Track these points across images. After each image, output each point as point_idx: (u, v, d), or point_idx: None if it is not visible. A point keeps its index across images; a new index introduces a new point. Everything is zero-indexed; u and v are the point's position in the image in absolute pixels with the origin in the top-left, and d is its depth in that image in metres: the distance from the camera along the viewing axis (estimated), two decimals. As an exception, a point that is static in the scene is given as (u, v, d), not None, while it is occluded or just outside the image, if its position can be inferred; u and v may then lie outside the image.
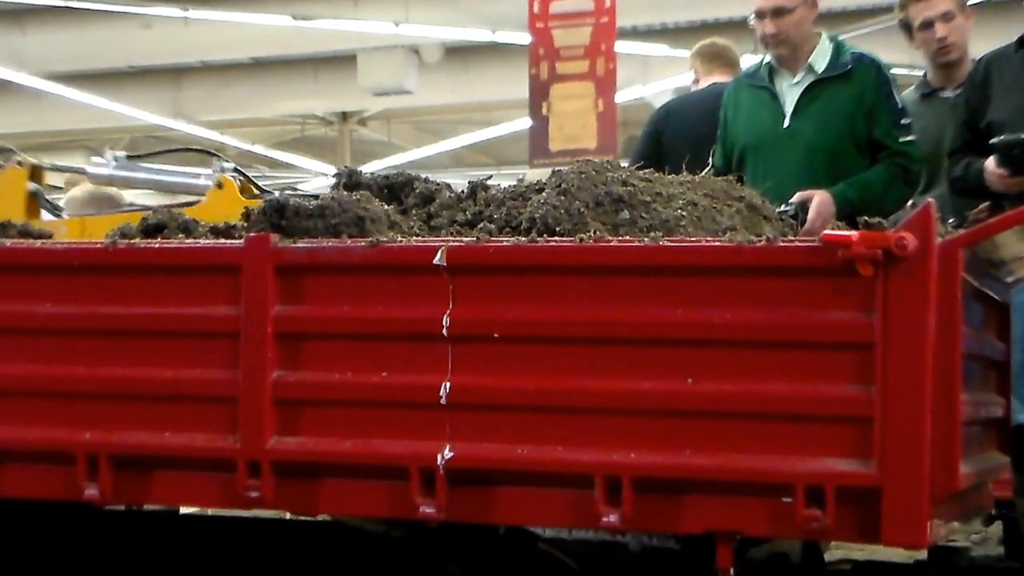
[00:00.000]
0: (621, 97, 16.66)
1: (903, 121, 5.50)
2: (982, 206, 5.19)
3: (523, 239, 2.45)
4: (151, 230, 2.78)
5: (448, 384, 2.44)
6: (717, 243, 2.36)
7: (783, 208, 5.68)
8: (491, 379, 2.44)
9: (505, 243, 2.45)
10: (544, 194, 2.59)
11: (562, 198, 2.56)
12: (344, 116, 20.19)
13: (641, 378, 2.37)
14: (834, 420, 2.30)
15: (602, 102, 16.81)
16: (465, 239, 2.49)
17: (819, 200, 5.45)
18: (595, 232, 2.49)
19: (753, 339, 2.33)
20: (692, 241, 2.39)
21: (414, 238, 2.56)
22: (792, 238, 2.53)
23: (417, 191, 2.87)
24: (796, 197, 5.47)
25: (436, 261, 2.44)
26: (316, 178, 21.99)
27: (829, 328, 2.30)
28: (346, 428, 2.51)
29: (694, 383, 2.35)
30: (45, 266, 2.69)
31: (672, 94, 18.37)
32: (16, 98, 18.09)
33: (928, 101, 6.22)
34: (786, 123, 5.66)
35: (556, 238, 2.46)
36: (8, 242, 2.76)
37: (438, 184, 2.90)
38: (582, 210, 2.53)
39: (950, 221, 5.72)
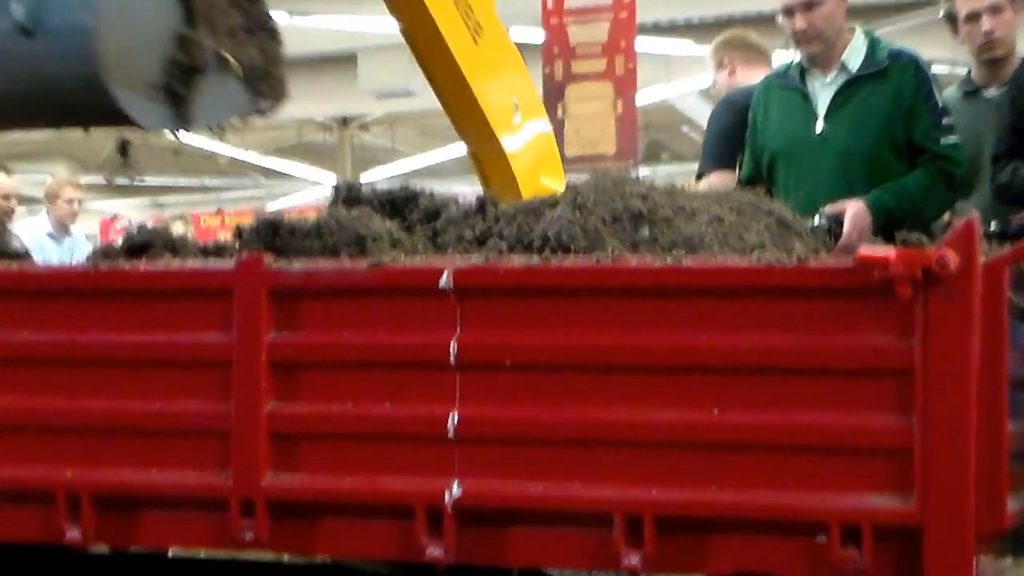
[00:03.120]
0: (642, 98, 16.66)
1: (945, 121, 5.46)
2: None
3: (535, 259, 2.44)
4: (136, 250, 2.79)
5: (456, 416, 2.43)
6: (744, 263, 2.35)
7: (815, 222, 5.64)
8: (502, 410, 2.44)
9: (516, 264, 2.44)
10: (558, 209, 2.59)
11: (577, 213, 2.56)
12: (344, 121, 20.22)
13: (664, 408, 2.37)
14: (871, 453, 2.29)
15: (621, 104, 16.82)
16: (473, 258, 2.48)
17: (853, 212, 5.41)
18: (613, 251, 2.48)
19: (783, 366, 2.32)
20: (717, 261, 2.38)
21: (418, 258, 2.55)
22: (825, 256, 2.49)
23: (422, 206, 2.87)
24: (828, 209, 5.44)
25: (442, 284, 2.43)
26: (313, 187, 22.01)
27: (865, 353, 2.29)
28: (346, 464, 2.50)
29: (720, 413, 2.34)
30: (23, 291, 2.69)
31: (698, 95, 18.39)
32: (-6, 104, 18.04)
33: (971, 100, 6.19)
34: (819, 127, 5.63)
35: (571, 257, 2.45)
36: (-17, 265, 2.76)
37: (444, 198, 2.89)
38: (599, 227, 2.53)
39: (992, 226, 5.67)
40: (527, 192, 4.49)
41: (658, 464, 2.37)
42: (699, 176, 7.02)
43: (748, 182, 5.77)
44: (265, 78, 2.99)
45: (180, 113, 2.86)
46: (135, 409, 2.61)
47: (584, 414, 2.40)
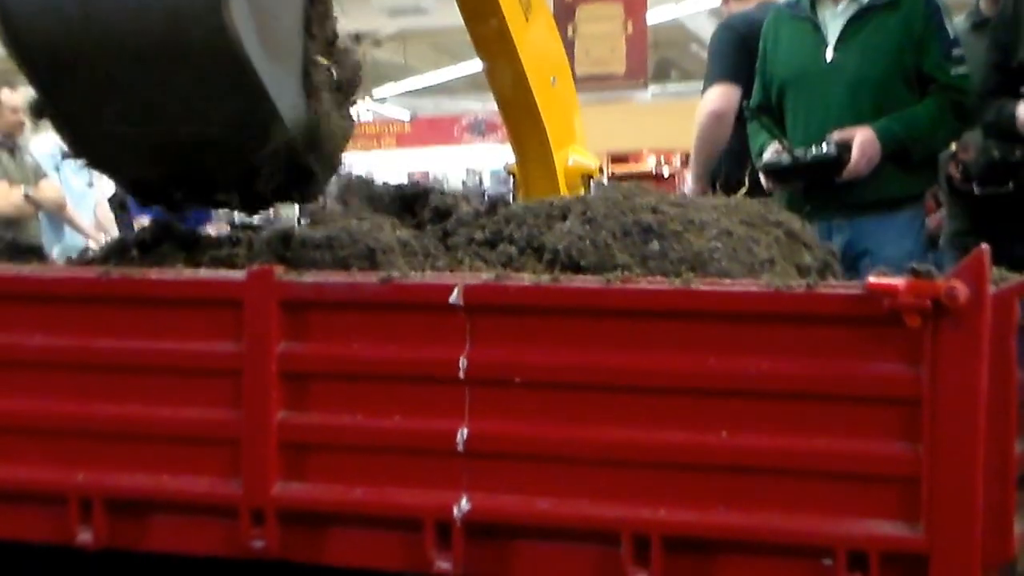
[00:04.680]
0: (651, 17, 16.54)
1: (954, 52, 5.44)
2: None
3: (545, 277, 2.39)
4: (147, 246, 2.74)
5: (465, 431, 2.40)
6: (753, 287, 2.30)
7: (823, 149, 5.64)
8: (511, 426, 2.40)
9: (526, 282, 2.39)
10: (568, 222, 2.54)
11: (587, 227, 2.51)
12: (357, 37, 20.02)
13: (673, 429, 2.34)
14: (879, 479, 2.26)
15: (631, 24, 16.71)
16: (484, 275, 2.43)
17: (862, 139, 5.39)
18: (623, 266, 2.44)
19: (792, 390, 2.29)
20: (726, 285, 2.33)
21: (428, 273, 2.50)
22: (835, 283, 2.44)
23: (432, 204, 2.82)
24: (836, 136, 5.42)
25: (452, 300, 2.39)
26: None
27: (874, 381, 2.26)
28: (356, 475, 2.48)
29: (729, 436, 2.30)
30: (35, 295, 2.65)
31: (708, 14, 18.25)
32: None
33: (979, 31, 6.14)
34: (829, 55, 5.62)
35: (581, 276, 2.40)
36: (-8, 269, 2.71)
37: (454, 196, 2.84)
38: (608, 241, 2.49)
39: (996, 154, 5.62)
40: (559, 163, 4.53)
41: (666, 484, 2.34)
42: (712, 81, 6.98)
43: (759, 110, 5.74)
44: None
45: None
46: (146, 415, 2.58)
47: (593, 432, 2.37)
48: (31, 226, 10.99)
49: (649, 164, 20.27)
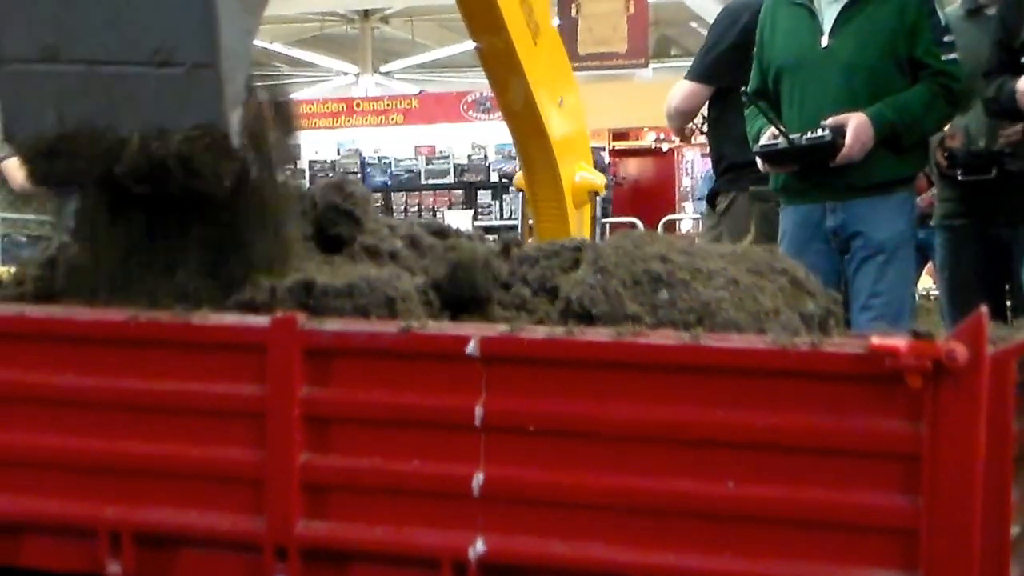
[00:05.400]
0: (653, -4, 16.39)
1: (946, 39, 5.53)
2: (1015, 128, 5.19)
3: (559, 330, 2.44)
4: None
5: (481, 475, 2.46)
6: (760, 344, 2.35)
7: (818, 133, 5.70)
8: (525, 472, 2.46)
9: (540, 335, 2.44)
10: (581, 271, 2.59)
11: (599, 276, 2.56)
12: (366, 13, 20.12)
13: (680, 478, 2.39)
14: (879, 530, 2.32)
15: (633, 3, 16.66)
16: (499, 326, 2.48)
17: (856, 124, 5.48)
18: (633, 315, 2.49)
19: (796, 444, 2.35)
20: (734, 340, 2.38)
21: (446, 323, 2.55)
22: (839, 340, 2.48)
23: (451, 243, 2.86)
24: (831, 121, 5.48)
25: (469, 351, 2.44)
26: (336, 77, 21.92)
27: (875, 436, 2.32)
28: (376, 515, 2.54)
29: (735, 486, 2.36)
30: (67, 336, 2.70)
31: (710, -7, 18.15)
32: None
33: (972, 19, 6.20)
34: (824, 41, 5.71)
35: (593, 329, 2.45)
36: (28, 310, 2.76)
37: (471, 238, 2.89)
38: (619, 290, 2.54)
39: (981, 143, 5.72)
40: (566, 180, 4.59)
41: (674, 531, 2.40)
42: (687, 77, 7.10)
43: (756, 95, 5.81)
44: None
45: None
46: (174, 454, 2.64)
47: (604, 479, 2.43)
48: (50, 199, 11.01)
49: (649, 140, 20.28)
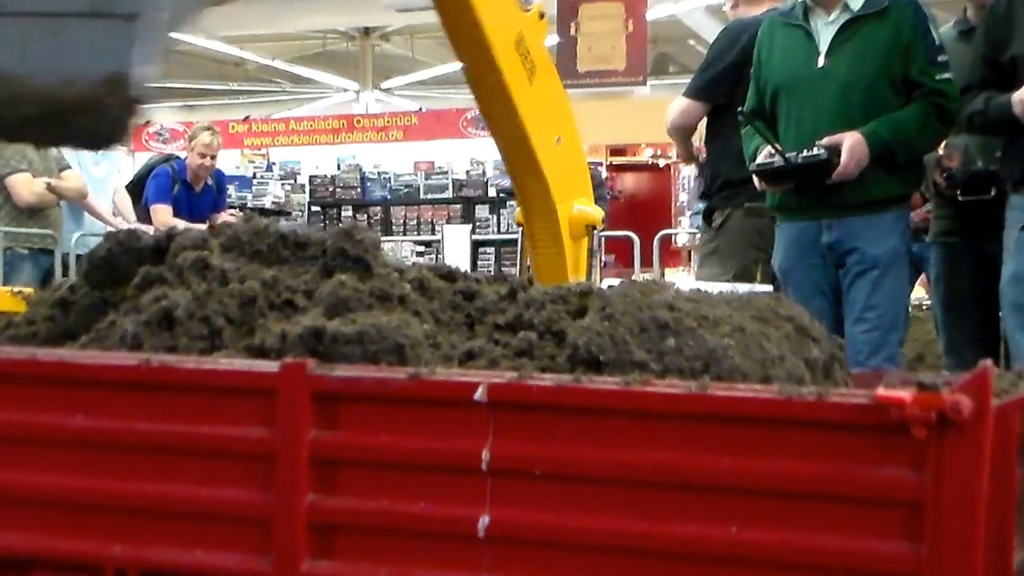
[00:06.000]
0: (650, 14, 16.53)
1: (940, 59, 5.58)
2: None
3: (566, 377, 2.44)
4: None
5: (486, 519, 2.45)
6: (766, 394, 2.35)
7: (814, 151, 5.72)
8: (530, 515, 2.46)
9: (547, 382, 2.44)
10: (588, 318, 2.58)
11: (606, 323, 2.56)
12: (366, 31, 20.15)
13: (685, 523, 2.39)
14: (883, 578, 2.30)
15: (632, 22, 16.71)
16: (507, 373, 2.47)
17: (851, 142, 5.53)
18: (640, 362, 2.49)
19: (800, 491, 2.35)
20: (741, 390, 2.38)
21: (454, 369, 2.55)
22: (844, 390, 2.48)
23: (458, 287, 2.86)
24: (826, 140, 5.51)
25: (476, 397, 2.44)
26: (337, 93, 21.94)
27: (879, 485, 2.32)
28: (382, 556, 2.54)
29: (738, 531, 2.35)
30: (77, 379, 2.70)
31: (704, 11, 18.25)
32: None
33: (965, 39, 6.25)
34: (820, 62, 5.76)
35: (600, 378, 2.45)
36: (40, 354, 2.76)
37: (479, 280, 2.88)
38: (627, 338, 2.53)
39: (979, 163, 5.73)
40: (563, 219, 4.59)
41: (679, 574, 2.38)
42: (684, 94, 7.16)
43: (752, 114, 5.83)
44: None
45: None
46: (182, 494, 2.64)
47: (608, 523, 2.44)
48: (52, 215, 11.05)
49: (646, 156, 20.32)
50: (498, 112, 4.48)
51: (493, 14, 4.34)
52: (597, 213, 4.94)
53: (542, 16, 4.83)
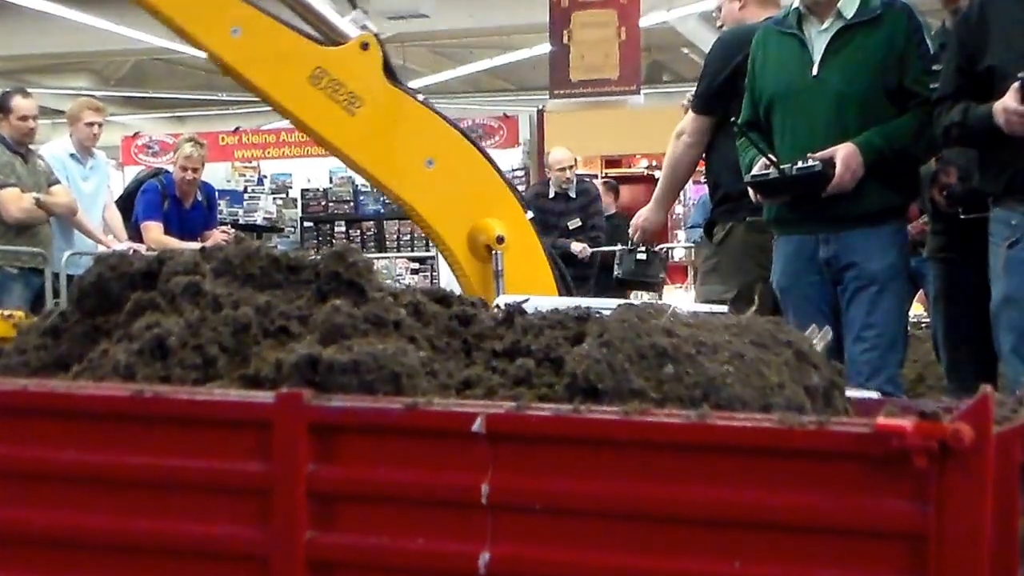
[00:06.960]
0: (643, 22, 16.49)
1: (934, 67, 5.56)
2: None
3: (565, 407, 2.43)
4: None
5: (487, 554, 2.45)
6: (767, 423, 2.34)
7: (808, 163, 5.71)
8: (531, 550, 2.45)
9: (546, 412, 2.43)
10: (586, 346, 2.58)
11: (604, 351, 2.55)
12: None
13: (686, 557, 2.38)
14: (885, 609, 2.30)
15: (625, 30, 16.69)
16: (505, 404, 2.47)
17: (844, 153, 5.52)
18: (639, 390, 2.48)
19: (801, 522, 2.34)
20: (741, 419, 2.38)
21: (452, 400, 2.55)
22: (844, 419, 2.48)
23: (454, 312, 2.86)
24: (819, 155, 5.50)
25: (475, 428, 2.43)
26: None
27: (880, 515, 2.31)
28: (382, 592, 2.51)
29: (741, 566, 2.35)
30: (68, 411, 2.69)
31: (698, 18, 18.24)
32: (18, 19, 18.05)
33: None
34: (814, 71, 5.73)
35: (600, 407, 2.44)
36: (30, 384, 2.74)
37: (474, 304, 2.88)
38: (625, 366, 2.53)
39: (976, 179, 5.71)
40: (459, 237, 4.56)
41: (681, 607, 2.38)
42: (688, 108, 7.14)
43: (746, 125, 5.82)
44: None
45: None
46: (176, 530, 2.62)
47: (609, 557, 2.42)
48: (42, 232, 10.99)
49: (641, 167, 20.29)
50: (322, 143, 4.51)
51: (236, 49, 4.30)
52: (497, 228, 4.87)
53: (365, 47, 4.80)
